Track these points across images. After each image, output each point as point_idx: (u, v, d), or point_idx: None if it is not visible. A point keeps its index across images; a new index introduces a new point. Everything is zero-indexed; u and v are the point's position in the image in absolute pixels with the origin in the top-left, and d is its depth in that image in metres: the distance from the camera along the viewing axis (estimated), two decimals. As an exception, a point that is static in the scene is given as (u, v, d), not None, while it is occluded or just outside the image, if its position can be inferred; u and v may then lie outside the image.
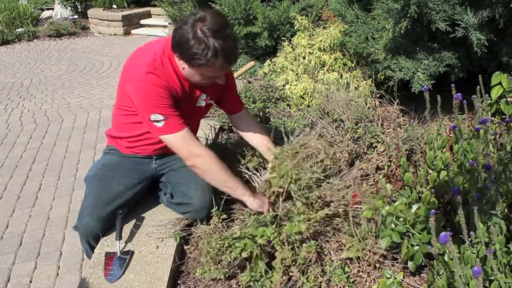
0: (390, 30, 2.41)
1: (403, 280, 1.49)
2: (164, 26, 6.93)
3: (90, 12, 8.19)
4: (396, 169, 1.93)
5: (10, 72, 5.84)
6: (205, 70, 1.56)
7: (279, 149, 1.79)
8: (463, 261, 1.28)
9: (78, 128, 4.00)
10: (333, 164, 2.04)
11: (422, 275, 1.55)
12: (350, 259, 1.57)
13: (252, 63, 3.56)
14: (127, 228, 1.78)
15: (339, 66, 3.14)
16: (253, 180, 1.94)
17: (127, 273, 1.57)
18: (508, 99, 2.37)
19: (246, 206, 1.75)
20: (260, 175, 1.95)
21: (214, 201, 1.74)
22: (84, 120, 4.15)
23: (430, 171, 1.71)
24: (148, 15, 8.07)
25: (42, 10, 9.28)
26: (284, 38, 3.67)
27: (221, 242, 1.53)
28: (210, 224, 1.70)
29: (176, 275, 1.62)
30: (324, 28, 3.41)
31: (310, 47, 3.29)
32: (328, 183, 1.71)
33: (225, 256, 1.50)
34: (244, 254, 1.49)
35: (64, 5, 8.70)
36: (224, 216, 1.75)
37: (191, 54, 1.49)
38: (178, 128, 1.61)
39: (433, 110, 1.95)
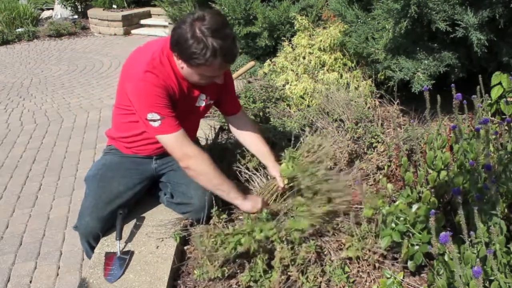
0: (390, 30, 2.41)
1: (403, 280, 1.48)
2: (164, 26, 6.93)
3: (90, 12, 8.19)
4: (396, 169, 1.93)
5: (10, 72, 5.84)
6: (204, 70, 1.56)
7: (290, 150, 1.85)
8: (463, 261, 1.28)
9: (78, 128, 4.00)
10: (334, 164, 2.04)
11: (422, 275, 1.55)
12: (350, 258, 1.57)
13: (252, 63, 3.56)
14: (127, 228, 1.78)
15: (339, 66, 3.14)
16: (253, 180, 1.94)
17: (127, 273, 1.57)
18: (508, 99, 2.37)
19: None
20: (260, 175, 1.95)
21: (214, 201, 1.75)
22: (84, 120, 4.15)
23: (430, 171, 1.71)
24: (148, 15, 8.07)
25: (42, 10, 9.28)
26: (284, 38, 3.67)
27: (213, 240, 1.53)
28: (210, 224, 1.70)
29: (176, 275, 1.62)
30: (324, 28, 3.41)
31: (310, 47, 3.29)
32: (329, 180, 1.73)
33: (219, 252, 1.50)
34: (241, 249, 1.49)
35: (64, 5, 8.70)
36: (224, 216, 1.75)
37: (190, 53, 1.49)
38: (174, 128, 1.61)
39: (433, 110, 1.95)
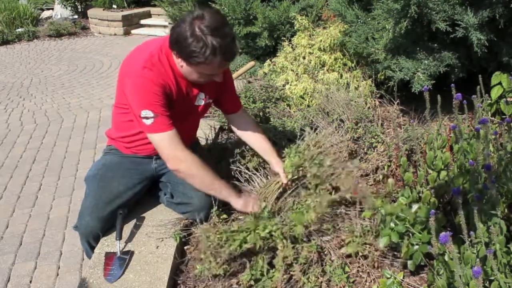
0: (390, 30, 2.41)
1: (403, 280, 1.49)
2: (164, 26, 6.93)
3: (90, 12, 8.19)
4: (396, 169, 1.93)
5: (10, 72, 5.84)
6: (203, 68, 1.56)
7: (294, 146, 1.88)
8: (463, 261, 1.28)
9: (78, 128, 4.00)
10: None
11: (422, 275, 1.55)
12: (350, 256, 1.57)
13: (252, 63, 3.56)
14: (127, 228, 1.78)
15: (339, 66, 3.14)
16: (253, 180, 1.94)
17: (127, 273, 1.57)
18: (508, 99, 2.37)
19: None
20: (260, 175, 1.95)
21: (214, 201, 1.75)
22: (84, 120, 4.15)
23: (430, 171, 1.71)
24: (148, 15, 8.07)
25: (42, 10, 9.28)
26: (284, 38, 3.67)
27: (219, 236, 1.53)
28: (210, 224, 1.70)
29: (176, 275, 1.62)
30: (324, 28, 3.41)
31: (310, 47, 3.29)
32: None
33: (224, 249, 1.50)
34: (247, 246, 1.49)
35: (64, 5, 8.70)
36: (224, 216, 1.75)
37: (189, 52, 1.50)
38: (166, 128, 1.61)
39: (433, 110, 1.95)
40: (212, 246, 1.52)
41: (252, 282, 1.49)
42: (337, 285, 1.50)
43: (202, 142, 2.31)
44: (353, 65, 3.15)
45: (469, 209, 1.37)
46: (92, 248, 1.75)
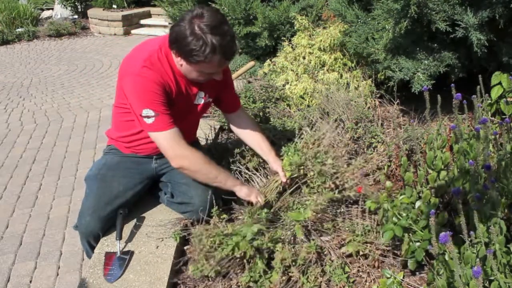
0: (390, 30, 2.41)
1: (403, 280, 1.49)
2: (164, 26, 6.92)
3: (90, 12, 8.19)
4: (396, 169, 1.93)
5: (10, 72, 5.84)
6: (203, 67, 1.57)
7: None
8: (463, 261, 1.28)
9: (78, 128, 4.00)
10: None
11: (422, 275, 1.55)
12: (350, 255, 1.57)
13: (252, 63, 3.57)
14: (127, 228, 1.78)
15: (339, 66, 3.14)
16: (253, 180, 1.94)
17: (127, 273, 1.57)
18: (508, 99, 2.37)
19: (239, 202, 1.79)
20: (260, 175, 1.95)
21: (214, 201, 1.75)
22: (84, 120, 4.15)
23: (430, 171, 1.71)
24: (148, 15, 8.07)
25: (42, 10, 9.28)
26: (284, 38, 3.67)
27: (212, 239, 1.53)
28: (210, 224, 1.70)
29: (176, 275, 1.62)
30: (324, 28, 3.41)
31: (310, 47, 3.29)
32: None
33: (217, 253, 1.50)
34: (237, 254, 1.49)
35: (64, 5, 8.70)
36: (224, 216, 1.75)
37: (189, 50, 1.50)
38: (167, 127, 1.61)
39: (433, 110, 1.95)
40: (204, 249, 1.52)
41: (251, 284, 1.49)
42: (337, 285, 1.50)
43: (202, 142, 2.31)
44: (353, 65, 3.15)
45: (469, 209, 1.37)
46: (92, 248, 1.75)
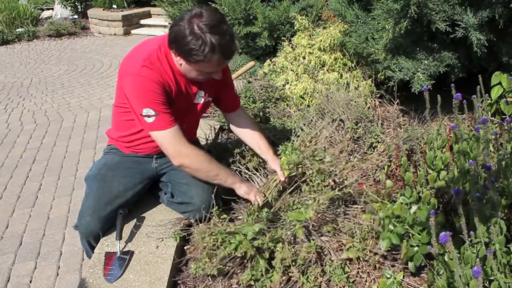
0: (390, 31, 2.41)
1: (403, 280, 1.49)
2: (164, 26, 6.92)
3: (90, 12, 8.19)
4: (396, 169, 1.93)
5: (10, 72, 5.84)
6: (202, 66, 1.57)
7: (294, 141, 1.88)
8: (463, 261, 1.28)
9: (78, 128, 4.00)
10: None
11: (422, 275, 1.55)
12: (350, 259, 1.57)
13: (252, 63, 3.56)
14: (127, 228, 1.78)
15: (339, 66, 3.14)
16: (253, 180, 1.94)
17: (127, 273, 1.57)
18: (508, 99, 2.37)
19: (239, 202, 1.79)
20: (260, 175, 1.95)
21: (214, 201, 1.75)
22: (84, 120, 4.15)
23: (430, 171, 1.71)
24: (148, 15, 8.07)
25: (42, 10, 9.28)
26: (284, 38, 3.67)
27: (214, 237, 1.53)
28: (210, 224, 1.70)
29: (176, 275, 1.62)
30: (324, 28, 3.41)
31: (310, 47, 3.29)
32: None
33: (220, 251, 1.50)
34: (238, 253, 1.49)
35: (64, 5, 8.69)
36: (224, 216, 1.75)
37: (188, 49, 1.50)
38: (168, 125, 1.62)
39: (433, 110, 1.95)
40: (207, 247, 1.52)
41: (251, 282, 1.49)
42: (337, 285, 1.50)
43: (202, 142, 2.31)
44: (353, 65, 3.15)
45: (469, 209, 1.37)
46: (92, 248, 1.75)
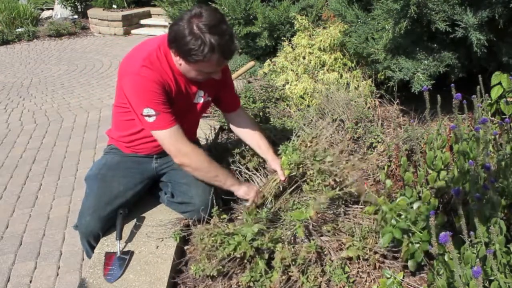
0: (390, 31, 2.41)
1: (403, 280, 1.49)
2: (164, 26, 6.92)
3: (90, 12, 8.19)
4: (396, 169, 1.93)
5: (10, 72, 5.84)
6: (202, 66, 1.57)
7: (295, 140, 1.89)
8: (463, 261, 1.28)
9: (78, 128, 4.00)
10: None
11: (422, 275, 1.55)
12: (350, 258, 1.57)
13: (252, 63, 3.56)
14: (127, 228, 1.78)
15: (339, 66, 3.14)
16: (253, 180, 1.94)
17: (127, 273, 1.57)
18: (508, 99, 2.37)
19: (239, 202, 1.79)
20: (260, 175, 1.95)
21: (214, 201, 1.75)
22: (84, 120, 4.15)
23: (430, 171, 1.71)
24: (148, 15, 8.07)
25: (42, 10, 9.27)
26: (284, 38, 3.67)
27: (213, 238, 1.53)
28: (210, 224, 1.70)
29: (176, 275, 1.62)
30: (324, 28, 3.41)
31: (310, 47, 3.29)
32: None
33: (219, 252, 1.50)
34: (237, 254, 1.49)
35: (64, 5, 8.69)
36: (224, 216, 1.75)
37: (188, 50, 1.50)
38: (169, 124, 1.62)
39: (433, 110, 1.95)
40: (206, 248, 1.52)
41: (251, 284, 1.49)
42: (337, 285, 1.50)
43: (202, 142, 2.31)
44: (353, 65, 3.15)
45: (469, 209, 1.37)
46: (92, 248, 1.75)
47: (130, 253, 1.65)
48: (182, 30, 1.49)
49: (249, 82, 3.70)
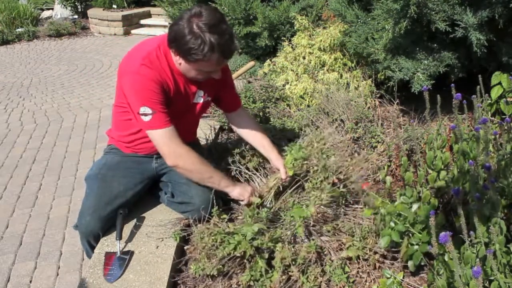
0: (390, 31, 2.41)
1: (403, 280, 1.49)
2: (164, 26, 6.92)
3: (90, 12, 8.19)
4: (396, 169, 1.93)
5: (10, 72, 5.84)
6: (202, 65, 1.57)
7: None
8: (463, 261, 1.28)
9: (78, 128, 4.00)
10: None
11: (422, 275, 1.55)
12: (350, 258, 1.57)
13: (252, 63, 3.56)
14: (127, 228, 1.78)
15: (339, 66, 3.14)
16: (253, 180, 1.94)
17: (127, 273, 1.57)
18: (508, 99, 2.37)
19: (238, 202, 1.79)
20: (260, 175, 1.95)
21: (214, 201, 1.75)
22: (84, 120, 4.15)
23: (430, 171, 1.71)
24: (148, 15, 8.07)
25: (42, 10, 9.28)
26: (284, 38, 3.67)
27: (213, 237, 1.53)
28: (210, 224, 1.70)
29: (176, 275, 1.62)
30: (324, 28, 3.41)
31: (310, 47, 3.29)
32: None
33: (219, 251, 1.50)
34: (237, 253, 1.49)
35: (64, 5, 8.69)
36: (224, 216, 1.75)
37: (188, 49, 1.50)
38: (164, 124, 1.62)
39: (433, 110, 1.95)
40: (206, 247, 1.52)
41: (251, 283, 1.49)
42: (337, 285, 1.50)
43: (202, 142, 2.31)
44: (353, 65, 3.15)
45: (469, 209, 1.37)
46: (92, 248, 1.75)
47: (130, 253, 1.65)
48: (182, 29, 1.49)
49: (249, 82, 3.70)
